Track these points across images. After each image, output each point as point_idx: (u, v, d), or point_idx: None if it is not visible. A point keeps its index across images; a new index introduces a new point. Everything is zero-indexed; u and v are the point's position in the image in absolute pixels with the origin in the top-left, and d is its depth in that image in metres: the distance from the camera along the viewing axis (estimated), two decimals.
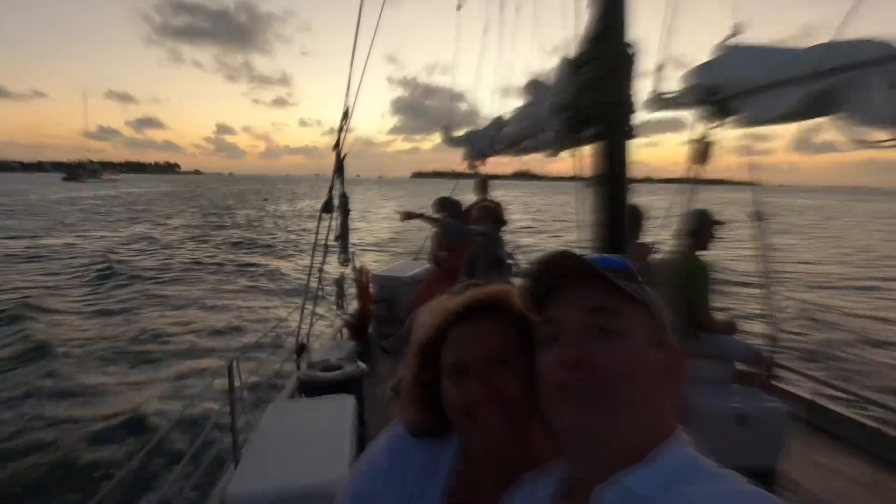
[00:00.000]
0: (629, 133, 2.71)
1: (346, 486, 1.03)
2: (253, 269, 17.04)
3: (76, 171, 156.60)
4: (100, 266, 16.26)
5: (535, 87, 4.34)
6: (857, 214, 63.28)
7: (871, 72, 1.53)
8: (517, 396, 0.89)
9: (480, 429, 0.90)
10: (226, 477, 2.52)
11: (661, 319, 0.77)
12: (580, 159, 2.76)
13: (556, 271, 0.80)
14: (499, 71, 8.12)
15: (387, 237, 25.16)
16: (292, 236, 26.40)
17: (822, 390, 4.18)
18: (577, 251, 0.81)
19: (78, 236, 24.87)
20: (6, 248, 19.83)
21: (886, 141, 1.54)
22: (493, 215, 4.44)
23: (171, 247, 21.84)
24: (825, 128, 1.80)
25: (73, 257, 18.30)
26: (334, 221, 4.50)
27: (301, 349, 4.23)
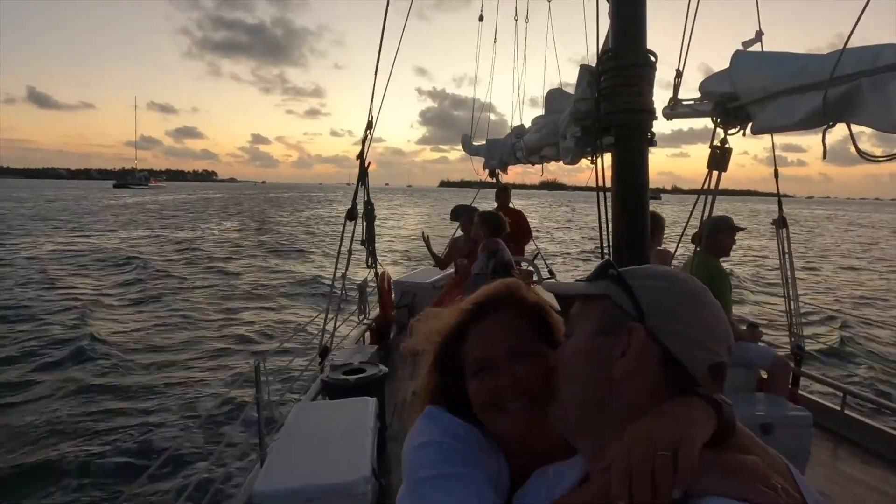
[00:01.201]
0: (649, 140, 2.73)
1: (428, 472, 0.89)
2: (287, 273, 17.28)
3: (126, 178, 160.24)
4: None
5: (556, 96, 4.39)
6: (868, 222, 62.27)
7: (892, 76, 1.54)
8: (538, 385, 0.93)
9: (508, 418, 0.94)
10: (252, 475, 2.59)
11: (619, 303, 0.77)
12: (600, 167, 2.78)
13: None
14: (521, 81, 8.20)
15: (407, 247, 25.31)
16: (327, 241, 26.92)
17: (846, 399, 4.11)
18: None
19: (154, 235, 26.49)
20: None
21: (882, 157, 1.56)
22: (488, 224, 4.45)
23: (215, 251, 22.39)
24: (859, 137, 1.81)
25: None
26: (359, 228, 4.59)
27: (325, 352, 4.31)
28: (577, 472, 0.84)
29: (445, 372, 1.04)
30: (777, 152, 3.92)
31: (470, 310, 1.03)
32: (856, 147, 1.63)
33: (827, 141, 1.95)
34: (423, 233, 5.97)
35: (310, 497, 2.14)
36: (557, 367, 0.85)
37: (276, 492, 2.16)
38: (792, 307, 4.19)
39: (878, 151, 1.66)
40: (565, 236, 33.57)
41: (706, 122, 2.88)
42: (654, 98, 2.69)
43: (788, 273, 4.17)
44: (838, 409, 4.01)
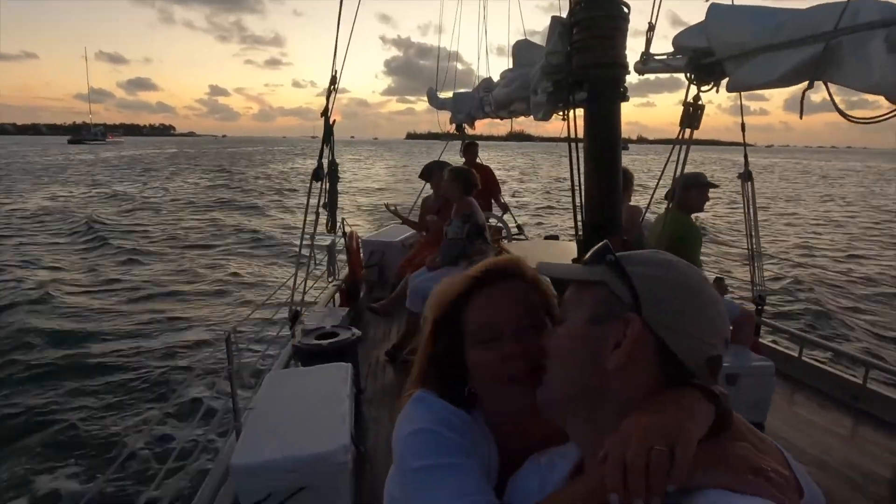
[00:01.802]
0: (622, 95, 2.69)
1: (422, 461, 0.88)
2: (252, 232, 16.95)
3: (81, 133, 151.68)
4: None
5: (524, 49, 4.26)
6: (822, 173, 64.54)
7: (873, 34, 1.51)
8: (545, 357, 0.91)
9: (517, 389, 0.92)
10: (227, 447, 2.56)
11: (615, 292, 0.74)
12: (572, 121, 2.73)
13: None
14: (490, 31, 7.98)
15: (378, 201, 25.12)
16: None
17: (804, 347, 4.29)
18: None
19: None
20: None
21: (863, 119, 1.56)
22: (460, 182, 4.37)
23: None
24: (819, 89, 1.80)
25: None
26: (324, 188, 4.46)
27: (295, 317, 4.25)
28: (569, 462, 0.84)
29: (441, 340, 1.01)
30: (737, 102, 3.92)
31: (477, 276, 1.00)
32: (836, 106, 1.61)
33: (790, 90, 1.93)
34: (386, 205, 5.88)
35: (289, 468, 2.12)
36: (547, 349, 0.83)
37: (253, 464, 2.13)
38: (755, 258, 4.29)
39: (838, 100, 1.65)
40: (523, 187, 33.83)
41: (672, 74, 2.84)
42: (627, 52, 2.63)
43: (753, 225, 4.25)
44: (796, 356, 4.19)
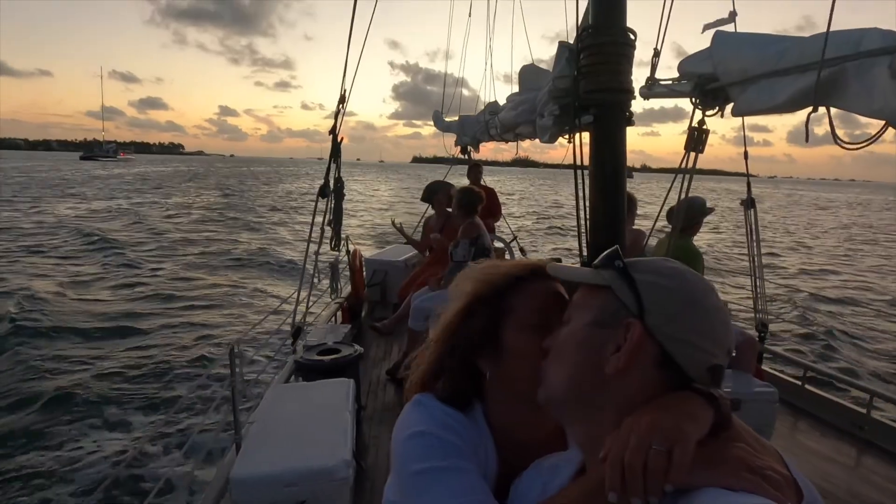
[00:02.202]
0: (627, 120, 2.73)
1: (421, 464, 0.88)
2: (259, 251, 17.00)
3: (93, 150, 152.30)
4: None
5: (530, 73, 4.33)
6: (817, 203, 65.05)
7: (874, 62, 1.54)
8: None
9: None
10: (228, 460, 2.54)
11: (620, 297, 0.75)
12: (578, 146, 2.77)
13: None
14: (497, 57, 8.12)
15: (381, 222, 25.19)
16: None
17: (806, 374, 4.27)
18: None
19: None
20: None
21: (852, 143, 1.59)
22: (466, 201, 4.40)
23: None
24: (823, 121, 1.83)
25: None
26: (329, 206, 4.50)
27: (298, 332, 4.25)
28: (572, 467, 0.84)
29: (477, 317, 1.00)
30: (742, 132, 3.98)
31: (528, 267, 1.02)
32: (833, 132, 1.64)
33: (792, 122, 1.97)
34: (392, 221, 5.90)
35: (289, 482, 2.11)
36: (549, 351, 0.84)
37: (253, 477, 2.13)
38: (758, 285, 4.30)
39: (841, 133, 1.68)
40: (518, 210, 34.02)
41: (677, 102, 2.89)
42: (632, 77, 2.68)
43: (755, 252, 4.27)
44: (799, 383, 4.17)
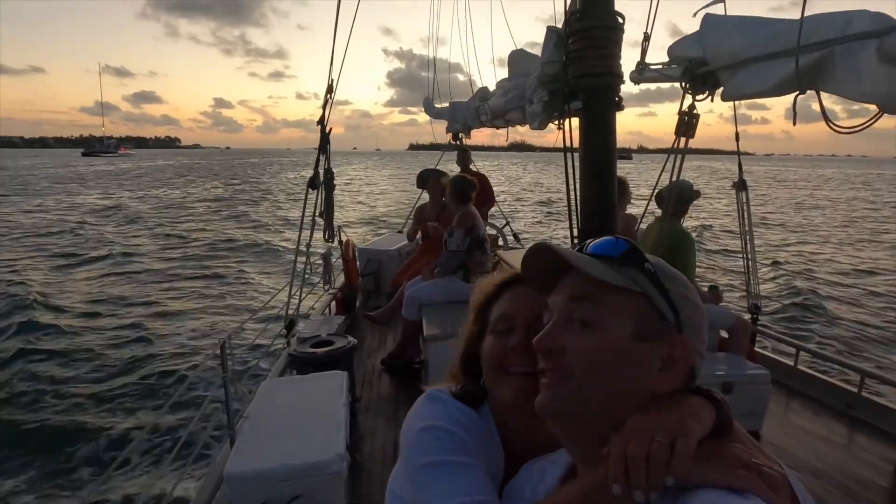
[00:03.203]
0: (617, 104, 2.71)
1: (430, 457, 0.88)
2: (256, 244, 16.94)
3: (94, 146, 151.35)
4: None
5: (519, 58, 4.29)
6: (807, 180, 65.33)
7: (862, 44, 1.53)
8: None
9: (511, 381, 0.94)
10: (221, 456, 2.54)
11: (658, 307, 0.72)
12: (568, 131, 2.74)
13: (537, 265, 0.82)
14: (487, 43, 8.04)
15: (377, 212, 25.09)
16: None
17: (799, 355, 4.30)
18: (553, 243, 0.80)
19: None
20: None
21: (844, 128, 1.57)
22: (460, 189, 4.39)
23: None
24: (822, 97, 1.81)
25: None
26: (320, 197, 4.46)
27: (291, 325, 4.23)
28: (559, 468, 0.84)
29: (477, 328, 1.06)
30: (741, 111, 3.98)
31: (513, 275, 1.04)
32: (824, 116, 1.63)
33: (790, 99, 1.96)
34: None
35: (283, 476, 2.11)
36: (573, 354, 0.73)
37: (247, 473, 2.12)
38: (750, 267, 4.31)
39: (837, 109, 1.67)
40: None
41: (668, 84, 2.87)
42: (622, 61, 2.65)
43: (747, 234, 4.27)
44: (791, 364, 4.20)
